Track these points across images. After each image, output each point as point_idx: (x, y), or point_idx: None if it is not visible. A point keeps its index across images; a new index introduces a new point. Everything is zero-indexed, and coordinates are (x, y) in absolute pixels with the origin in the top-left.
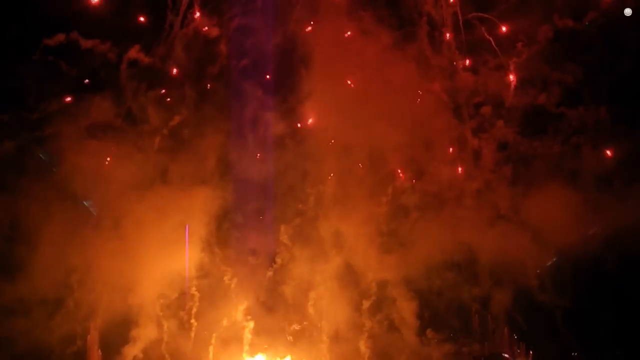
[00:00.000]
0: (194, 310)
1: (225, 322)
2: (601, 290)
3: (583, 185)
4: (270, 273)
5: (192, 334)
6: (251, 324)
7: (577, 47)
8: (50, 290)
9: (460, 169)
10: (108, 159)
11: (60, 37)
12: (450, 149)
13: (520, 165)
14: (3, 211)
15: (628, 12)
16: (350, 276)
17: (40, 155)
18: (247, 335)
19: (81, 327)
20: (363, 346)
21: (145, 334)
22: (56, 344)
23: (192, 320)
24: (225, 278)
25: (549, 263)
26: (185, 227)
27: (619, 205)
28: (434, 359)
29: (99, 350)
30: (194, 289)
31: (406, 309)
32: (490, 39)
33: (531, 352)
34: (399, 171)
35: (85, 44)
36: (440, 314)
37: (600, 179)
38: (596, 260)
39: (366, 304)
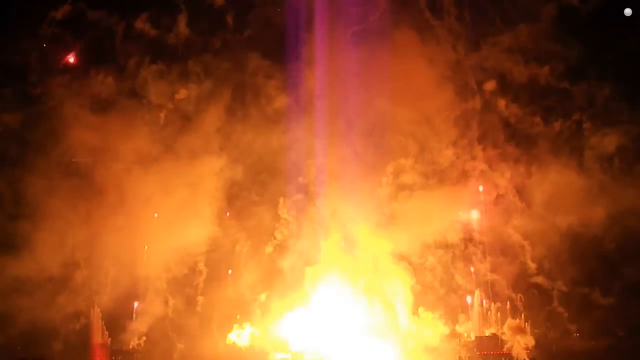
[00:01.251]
0: (200, 285)
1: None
2: (602, 272)
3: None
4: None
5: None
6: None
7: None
8: (55, 267)
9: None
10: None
11: (67, 8)
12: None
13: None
14: (7, 187)
15: (628, 12)
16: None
17: None
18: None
19: (86, 303)
20: None
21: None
22: (61, 320)
23: (199, 297)
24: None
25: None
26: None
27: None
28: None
29: (103, 326)
30: (201, 263)
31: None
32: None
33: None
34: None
35: (92, 15)
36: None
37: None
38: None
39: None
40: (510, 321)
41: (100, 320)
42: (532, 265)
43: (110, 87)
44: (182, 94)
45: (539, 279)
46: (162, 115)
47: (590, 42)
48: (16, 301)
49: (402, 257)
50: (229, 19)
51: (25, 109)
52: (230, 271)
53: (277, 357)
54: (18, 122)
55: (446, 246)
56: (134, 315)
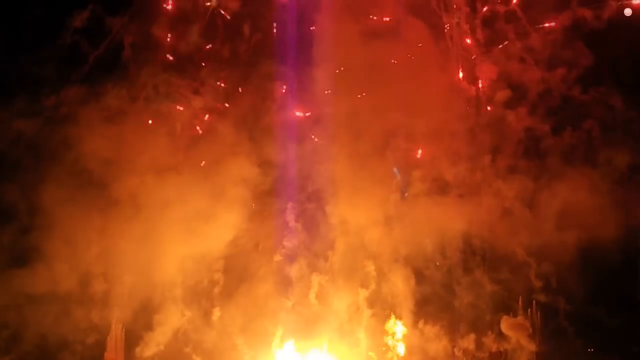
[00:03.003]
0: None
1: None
2: (611, 289)
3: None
4: None
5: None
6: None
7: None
8: (72, 278)
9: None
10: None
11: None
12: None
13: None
14: (21, 196)
15: (628, 12)
16: None
17: None
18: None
19: (103, 316)
20: None
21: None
22: (74, 334)
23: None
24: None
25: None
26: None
27: None
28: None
29: (118, 341)
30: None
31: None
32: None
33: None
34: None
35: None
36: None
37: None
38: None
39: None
40: (506, 318)
41: (116, 336)
42: (538, 282)
43: (125, 95)
44: (198, 101)
45: (546, 295)
46: (177, 123)
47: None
48: (28, 315)
49: (405, 265)
50: (244, 27)
51: (40, 118)
52: None
53: None
54: (32, 130)
55: (450, 257)
56: (151, 328)
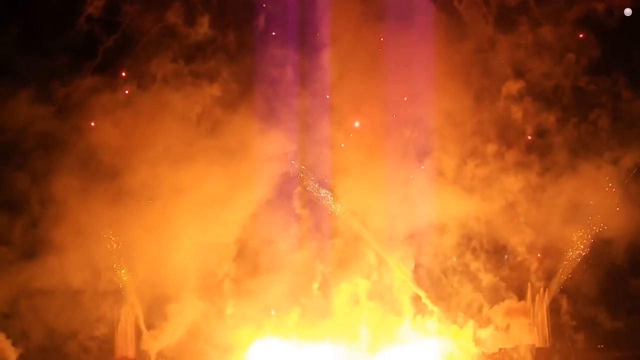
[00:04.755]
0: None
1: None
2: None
3: None
4: None
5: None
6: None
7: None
8: (79, 272)
9: None
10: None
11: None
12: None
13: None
14: (31, 186)
15: (628, 12)
16: None
17: None
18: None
19: (110, 311)
20: None
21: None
22: (84, 328)
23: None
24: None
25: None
26: None
27: None
28: None
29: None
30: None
31: None
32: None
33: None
34: None
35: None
36: None
37: None
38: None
39: None
40: (508, 302)
41: (125, 333)
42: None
43: (138, 84)
44: (214, 90)
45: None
46: (191, 115)
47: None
48: (36, 308)
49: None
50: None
51: (53, 107)
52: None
53: None
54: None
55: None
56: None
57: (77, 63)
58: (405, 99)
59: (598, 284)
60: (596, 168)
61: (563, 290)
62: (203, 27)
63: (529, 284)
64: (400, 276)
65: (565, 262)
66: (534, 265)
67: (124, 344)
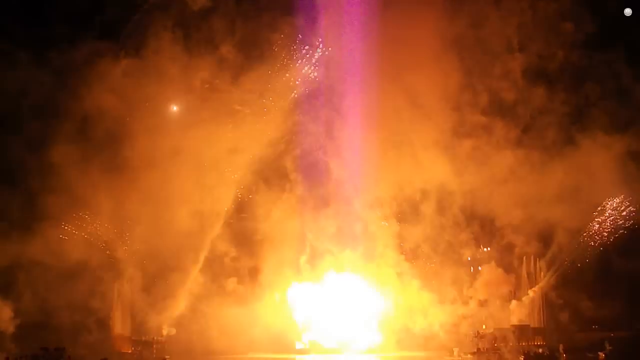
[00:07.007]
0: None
1: None
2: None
3: None
4: None
5: None
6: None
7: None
8: (77, 250)
9: None
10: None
11: None
12: None
13: None
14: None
15: (628, 12)
16: None
17: None
18: None
19: (108, 291)
20: None
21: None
22: (82, 308)
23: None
24: None
25: None
26: None
27: None
28: None
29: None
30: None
31: None
32: None
33: None
34: None
35: None
36: None
37: None
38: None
39: None
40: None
41: (122, 309)
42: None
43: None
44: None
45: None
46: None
47: None
48: (31, 287)
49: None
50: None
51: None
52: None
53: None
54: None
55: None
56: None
57: (77, 31)
58: None
59: (590, 267)
60: (589, 151)
61: (558, 275)
62: None
63: (523, 264)
64: None
65: (560, 245)
66: (529, 247)
67: (119, 323)
